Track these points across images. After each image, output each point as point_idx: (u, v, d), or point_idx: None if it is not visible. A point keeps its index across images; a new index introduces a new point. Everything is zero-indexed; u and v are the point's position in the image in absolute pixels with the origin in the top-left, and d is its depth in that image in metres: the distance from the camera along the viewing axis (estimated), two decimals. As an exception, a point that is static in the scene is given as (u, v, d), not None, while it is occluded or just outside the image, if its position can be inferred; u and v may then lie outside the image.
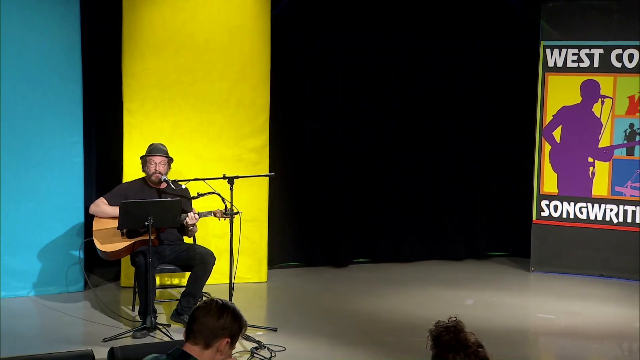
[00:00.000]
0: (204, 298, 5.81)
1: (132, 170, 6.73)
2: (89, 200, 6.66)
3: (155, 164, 6.01)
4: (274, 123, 7.41)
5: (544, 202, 7.92)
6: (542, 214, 7.93)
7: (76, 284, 6.79)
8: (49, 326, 5.98)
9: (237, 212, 5.76)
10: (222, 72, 7.11)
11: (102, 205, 5.95)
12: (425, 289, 7.20)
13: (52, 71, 6.63)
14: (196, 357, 2.62)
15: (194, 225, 5.95)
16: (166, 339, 5.49)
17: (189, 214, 5.84)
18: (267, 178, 7.22)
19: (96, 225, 5.89)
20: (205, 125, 7.11)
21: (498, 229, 8.66)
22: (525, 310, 6.80)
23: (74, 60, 6.70)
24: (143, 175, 6.15)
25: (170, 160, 6.10)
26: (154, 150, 6.06)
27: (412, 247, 8.41)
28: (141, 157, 6.11)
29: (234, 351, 2.76)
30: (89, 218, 6.37)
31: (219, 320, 2.63)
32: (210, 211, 5.92)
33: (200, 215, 5.90)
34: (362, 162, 8.24)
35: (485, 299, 6.89)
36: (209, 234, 7.01)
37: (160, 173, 5.99)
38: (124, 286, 6.96)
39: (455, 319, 2.54)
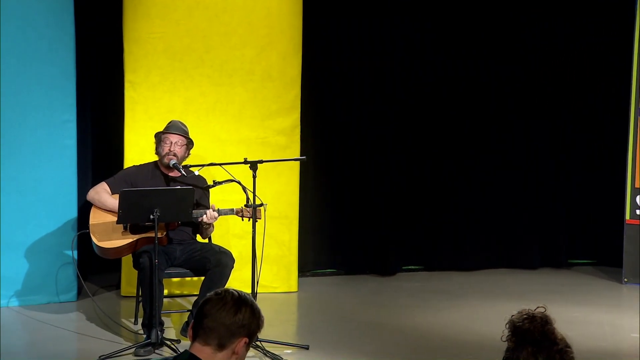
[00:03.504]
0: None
1: (134, 155, 6.83)
2: (83, 191, 6.71)
3: (171, 143, 6.05)
4: (307, 99, 7.46)
5: (639, 198, 7.87)
6: (638, 212, 7.87)
7: (68, 292, 6.90)
8: (36, 341, 6.07)
9: (261, 205, 5.81)
10: (244, 37, 7.16)
11: (102, 194, 6.02)
12: (489, 303, 7.18)
13: (39, 36, 6.71)
14: None
15: (211, 224, 6.01)
16: (175, 356, 5.56)
17: (207, 211, 5.89)
18: (298, 165, 7.27)
19: (94, 217, 5.96)
20: (224, 102, 7.18)
21: (582, 231, 8.62)
22: (617, 329, 6.73)
23: (65, 23, 6.78)
24: (154, 158, 6.20)
25: (189, 143, 6.14)
26: (173, 127, 6.12)
27: (475, 252, 8.40)
28: (156, 135, 6.16)
29: None
30: (83, 213, 6.48)
31: (236, 316, 2.62)
32: (233, 209, 5.95)
33: (221, 213, 5.94)
34: (415, 150, 8.27)
35: (566, 315, 6.82)
36: (228, 232, 7.08)
37: (174, 155, 6.05)
38: (125, 295, 7.06)
39: (544, 309, 2.54)
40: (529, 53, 8.41)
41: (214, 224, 6.06)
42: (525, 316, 2.50)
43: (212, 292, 2.74)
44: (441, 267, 8.32)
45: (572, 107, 8.51)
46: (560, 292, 7.64)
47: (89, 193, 6.09)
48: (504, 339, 2.50)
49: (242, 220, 5.99)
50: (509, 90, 8.42)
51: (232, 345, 2.64)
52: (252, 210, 5.79)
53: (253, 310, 2.67)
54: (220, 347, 2.63)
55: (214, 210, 5.90)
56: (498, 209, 8.45)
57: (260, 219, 5.82)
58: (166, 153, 6.05)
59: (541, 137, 8.50)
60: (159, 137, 6.12)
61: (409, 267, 8.33)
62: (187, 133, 6.15)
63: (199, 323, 2.66)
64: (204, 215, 5.86)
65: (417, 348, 6.00)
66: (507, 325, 2.51)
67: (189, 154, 6.17)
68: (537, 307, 2.57)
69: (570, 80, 8.47)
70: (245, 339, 2.65)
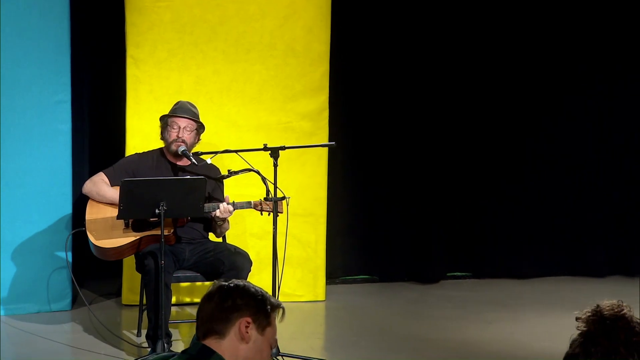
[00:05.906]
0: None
1: (137, 142, 6.86)
2: (78, 183, 6.74)
3: (179, 128, 6.05)
4: (336, 78, 7.46)
5: None
6: None
7: (62, 300, 6.94)
8: (24, 356, 6.10)
9: (284, 198, 5.81)
10: (263, 6, 7.18)
11: (100, 185, 6.05)
12: (548, 315, 7.15)
13: (28, 5, 6.73)
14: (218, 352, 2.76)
15: (225, 219, 6.03)
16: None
17: (220, 204, 5.89)
18: (327, 154, 7.27)
19: (90, 212, 5.99)
20: (240, 81, 7.20)
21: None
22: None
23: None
24: (160, 145, 6.21)
25: (200, 127, 6.14)
26: (180, 109, 6.11)
27: (532, 257, 8.41)
28: (161, 118, 6.16)
29: None
30: (78, 208, 6.51)
31: (224, 303, 2.79)
32: (250, 202, 5.95)
33: (236, 206, 5.95)
34: (464, 138, 8.29)
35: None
36: (245, 232, 7.10)
37: (183, 142, 6.05)
38: (126, 304, 7.10)
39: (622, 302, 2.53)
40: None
41: (229, 219, 6.06)
42: (608, 306, 2.50)
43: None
44: (492, 273, 8.31)
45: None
46: (632, 304, 7.56)
47: (85, 185, 6.11)
48: (578, 331, 2.49)
49: (261, 214, 5.99)
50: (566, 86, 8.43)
51: (234, 329, 2.78)
52: (273, 205, 5.79)
53: (244, 292, 2.81)
54: (221, 335, 2.78)
55: (228, 204, 5.89)
56: (560, 207, 8.44)
57: (281, 212, 5.82)
58: (173, 140, 6.05)
59: (613, 131, 8.49)
60: (165, 121, 6.12)
61: (455, 273, 8.35)
62: (197, 116, 6.14)
63: (197, 319, 2.85)
64: (217, 210, 5.86)
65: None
66: (583, 317, 2.49)
67: (199, 140, 6.17)
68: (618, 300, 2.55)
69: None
70: (246, 319, 2.78)
